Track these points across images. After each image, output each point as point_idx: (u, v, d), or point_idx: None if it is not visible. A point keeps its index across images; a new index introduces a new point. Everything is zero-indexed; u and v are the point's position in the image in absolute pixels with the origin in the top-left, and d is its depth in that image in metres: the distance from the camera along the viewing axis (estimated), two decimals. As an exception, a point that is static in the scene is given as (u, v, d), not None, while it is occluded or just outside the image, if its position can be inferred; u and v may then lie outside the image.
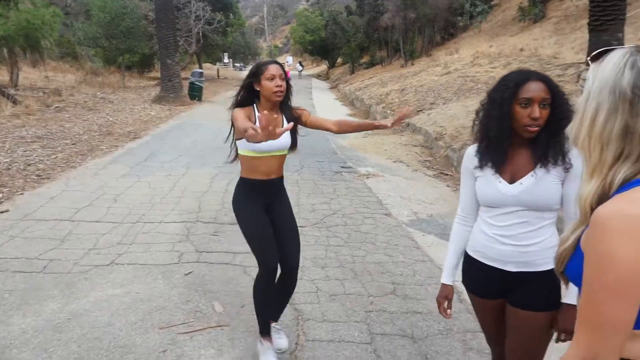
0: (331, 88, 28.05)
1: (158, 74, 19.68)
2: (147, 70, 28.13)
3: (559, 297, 1.54)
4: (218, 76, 32.28)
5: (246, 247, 4.00)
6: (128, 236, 4.14)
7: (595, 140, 0.84)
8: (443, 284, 1.79)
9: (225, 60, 47.71)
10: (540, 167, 1.51)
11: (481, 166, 1.59)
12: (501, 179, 1.55)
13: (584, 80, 0.98)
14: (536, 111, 1.45)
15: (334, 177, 6.57)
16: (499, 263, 1.58)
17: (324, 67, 44.37)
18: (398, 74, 18.15)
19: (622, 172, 0.83)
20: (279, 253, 2.41)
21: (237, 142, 2.34)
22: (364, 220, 4.75)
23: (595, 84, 0.85)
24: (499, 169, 1.55)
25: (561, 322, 1.52)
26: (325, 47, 36.50)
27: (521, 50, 12.69)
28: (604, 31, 7.24)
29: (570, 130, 0.91)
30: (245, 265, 3.62)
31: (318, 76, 41.38)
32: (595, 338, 0.80)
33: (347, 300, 3.12)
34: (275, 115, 2.33)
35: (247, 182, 2.38)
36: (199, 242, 4.05)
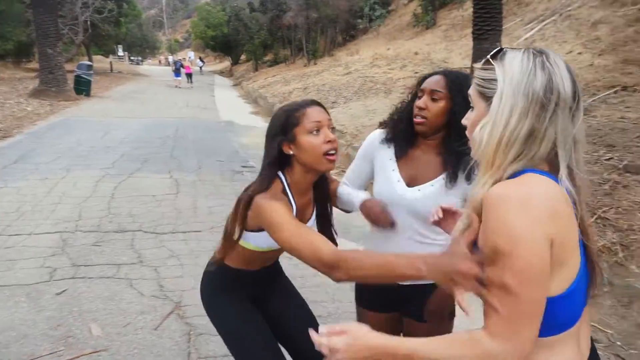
0: (234, 85, 27.42)
1: (38, 65, 17.58)
2: (25, 60, 25.04)
3: (453, 306, 1.50)
4: (111, 70, 29.82)
5: (133, 257, 3.68)
6: (-14, 252, 3.53)
7: (504, 143, 0.82)
8: (365, 201, 1.45)
9: (120, 52, 44.46)
10: (444, 179, 1.40)
11: (384, 152, 1.50)
12: (400, 178, 1.45)
13: (482, 79, 0.90)
14: (421, 100, 1.40)
15: (234, 177, 6.32)
16: None
17: (227, 63, 43.26)
18: (301, 73, 18.25)
19: (514, 168, 0.83)
20: (297, 348, 1.61)
21: (249, 235, 1.42)
22: (264, 222, 4.60)
23: (507, 86, 0.82)
24: (399, 164, 1.46)
25: (432, 303, 1.42)
26: (228, 44, 35.54)
27: (416, 54, 13.45)
28: (485, 40, 7.90)
29: (479, 133, 0.86)
30: (131, 278, 3.27)
31: (221, 73, 40.25)
32: (518, 328, 0.78)
33: (245, 310, 2.95)
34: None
35: (237, 274, 1.54)
36: (76, 255, 3.58)
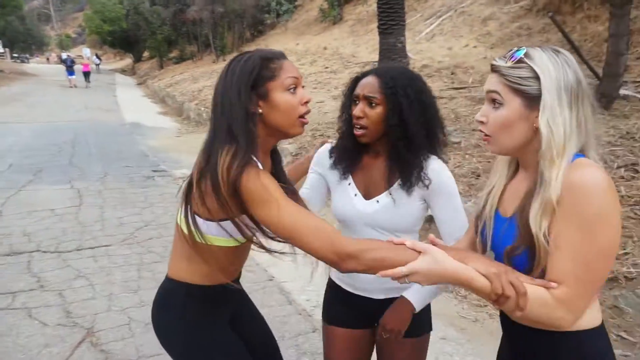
0: (139, 84, 25.79)
1: None
2: None
3: (429, 319, 1.44)
4: (-11, 69, 26.53)
5: (31, 283, 3.27)
6: None
7: (567, 134, 0.92)
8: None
9: (0, 49, 39.82)
10: (397, 186, 1.31)
11: (335, 169, 1.40)
12: (357, 192, 1.37)
13: (517, 77, 0.95)
14: (357, 108, 1.29)
15: (145, 183, 5.91)
16: (366, 292, 1.41)
17: (129, 61, 40.52)
18: (210, 70, 17.68)
19: (572, 154, 0.92)
20: None
21: (210, 224, 1.13)
22: (182, 229, 4.35)
23: (549, 82, 0.91)
24: (354, 177, 1.38)
25: (389, 318, 1.31)
26: (128, 39, 33.21)
27: (325, 48, 13.63)
28: (390, 34, 8.19)
29: (542, 128, 0.93)
30: (30, 307, 2.89)
31: (123, 71, 37.66)
32: (586, 296, 0.89)
33: (167, 327, 2.74)
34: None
35: (209, 292, 1.24)
36: (-42, 287, 3.09)
